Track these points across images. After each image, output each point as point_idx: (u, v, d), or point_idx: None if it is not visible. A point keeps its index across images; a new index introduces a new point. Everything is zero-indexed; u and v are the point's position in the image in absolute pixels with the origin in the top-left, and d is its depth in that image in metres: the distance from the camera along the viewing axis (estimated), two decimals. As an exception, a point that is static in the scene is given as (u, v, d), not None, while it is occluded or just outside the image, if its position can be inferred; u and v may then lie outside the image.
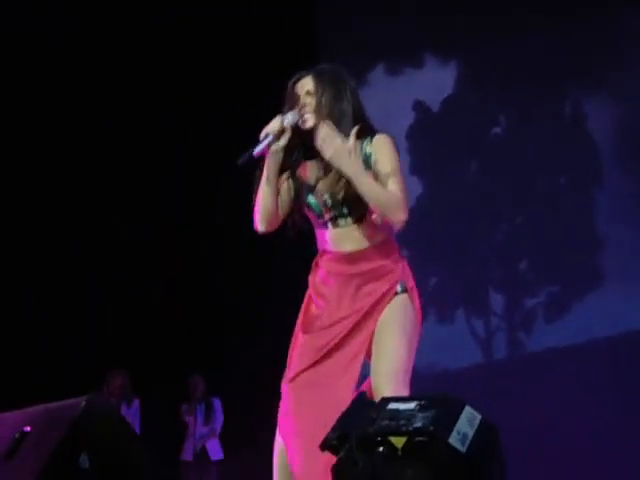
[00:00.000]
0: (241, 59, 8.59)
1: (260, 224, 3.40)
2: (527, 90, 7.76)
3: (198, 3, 8.65)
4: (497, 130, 8.15)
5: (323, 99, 3.35)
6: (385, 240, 3.37)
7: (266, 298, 8.24)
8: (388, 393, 3.05)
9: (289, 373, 3.32)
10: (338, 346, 3.28)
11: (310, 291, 3.46)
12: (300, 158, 3.44)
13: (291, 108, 3.38)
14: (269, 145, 3.28)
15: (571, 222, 7.67)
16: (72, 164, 8.67)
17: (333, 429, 2.47)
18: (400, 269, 3.36)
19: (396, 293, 3.31)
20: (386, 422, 2.42)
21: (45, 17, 8.35)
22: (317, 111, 3.35)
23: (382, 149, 3.34)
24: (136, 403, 8.15)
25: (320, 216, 3.37)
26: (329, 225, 3.36)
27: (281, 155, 3.33)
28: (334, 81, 3.41)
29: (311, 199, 3.37)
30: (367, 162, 3.30)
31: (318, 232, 3.43)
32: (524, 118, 7.93)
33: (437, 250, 7.85)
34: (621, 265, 7.37)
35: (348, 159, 3.21)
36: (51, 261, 8.64)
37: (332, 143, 3.22)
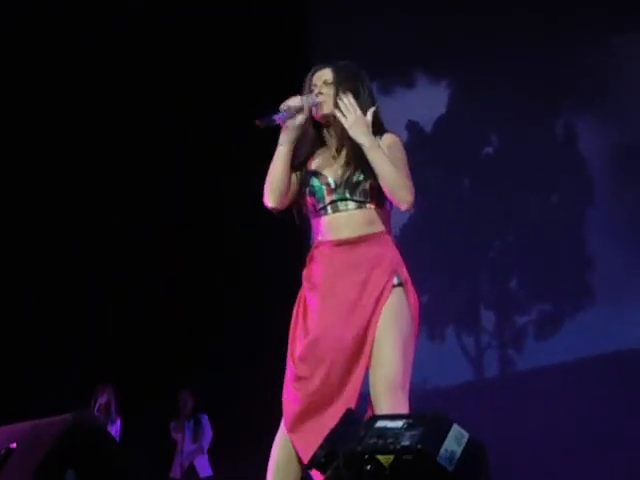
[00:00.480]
0: (238, 62, 8.56)
1: (270, 199, 3.41)
2: (519, 109, 7.76)
3: (198, 3, 8.62)
4: (489, 149, 8.14)
5: (340, 90, 3.40)
6: (383, 231, 3.38)
7: (257, 316, 8.19)
8: (387, 405, 3.07)
9: (295, 382, 3.27)
10: (341, 351, 3.23)
11: (303, 287, 3.41)
12: (310, 150, 3.48)
13: (305, 92, 3.45)
14: (286, 119, 3.34)
15: (562, 240, 7.65)
16: (72, 164, 8.61)
17: (321, 447, 2.44)
18: (395, 259, 3.36)
19: (393, 286, 3.28)
20: (374, 440, 2.39)
21: (44, 17, 8.32)
22: (334, 100, 3.39)
23: (392, 146, 3.41)
24: (118, 422, 8.06)
25: (321, 199, 3.37)
26: (329, 209, 3.36)
27: (295, 134, 3.38)
28: (352, 76, 3.48)
29: (315, 181, 3.39)
30: None
31: (315, 221, 3.42)
32: (516, 137, 7.92)
33: (429, 268, 7.82)
34: (612, 283, 7.35)
35: (367, 130, 3.30)
36: (40, 272, 8.56)
37: (354, 111, 3.30)
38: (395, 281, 3.29)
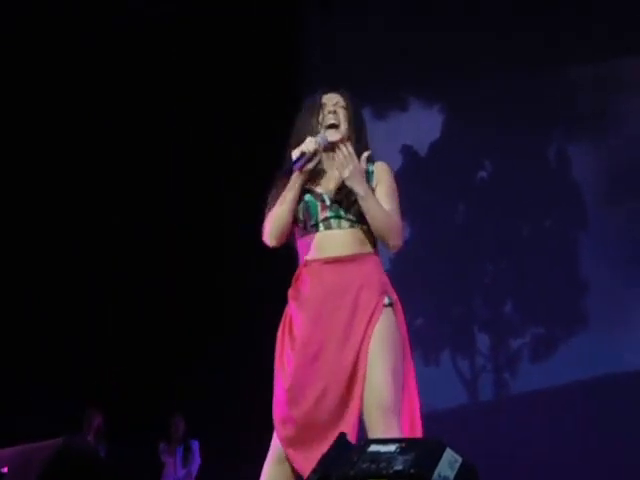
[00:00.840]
0: (236, 64, 8.53)
1: (272, 239, 3.37)
2: (512, 134, 7.77)
3: (197, 4, 8.59)
4: (483, 174, 8.14)
5: (354, 117, 3.42)
6: (372, 252, 3.35)
7: (249, 344, 8.10)
8: (380, 429, 3.04)
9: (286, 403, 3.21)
10: (337, 374, 3.19)
11: (289, 307, 3.36)
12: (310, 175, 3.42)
13: (313, 116, 3.40)
14: (304, 164, 3.31)
15: (555, 265, 7.63)
16: (69, 165, 8.52)
17: (314, 471, 2.41)
18: (384, 279, 3.34)
19: (384, 305, 3.26)
20: (367, 464, 2.36)
21: (44, 17, 8.28)
22: (347, 125, 3.39)
23: (383, 175, 3.42)
24: (102, 450, 7.96)
25: (314, 215, 3.32)
26: (321, 226, 3.32)
27: (307, 176, 3.35)
28: (358, 104, 3.49)
29: (309, 197, 3.35)
30: (368, 179, 3.37)
31: (303, 240, 3.36)
32: (509, 162, 7.92)
33: (423, 291, 7.79)
34: (604, 308, 7.35)
35: (361, 179, 3.30)
36: (31, 281, 8.45)
37: (352, 162, 3.29)
38: (386, 301, 3.27)
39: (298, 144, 3.36)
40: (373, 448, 2.41)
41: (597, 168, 7.62)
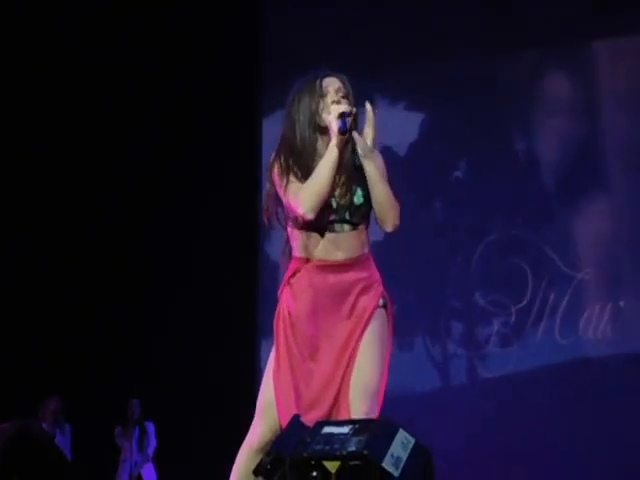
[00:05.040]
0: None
1: (311, 211, 3.03)
2: (485, 138, 7.67)
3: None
4: (458, 174, 8.02)
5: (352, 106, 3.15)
6: (369, 253, 3.18)
7: (205, 327, 7.92)
8: (363, 409, 2.93)
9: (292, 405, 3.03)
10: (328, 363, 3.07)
11: (286, 303, 3.14)
12: (315, 164, 3.14)
13: (314, 98, 3.12)
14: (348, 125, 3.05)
15: (525, 257, 7.52)
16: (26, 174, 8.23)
17: (267, 453, 2.27)
18: (379, 280, 3.18)
19: (378, 306, 3.11)
20: (320, 446, 2.24)
21: (43, 17, 8.08)
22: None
23: (380, 161, 3.18)
24: (68, 429, 7.73)
25: (318, 218, 3.06)
26: (325, 229, 3.08)
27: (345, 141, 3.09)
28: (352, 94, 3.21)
29: None
30: None
31: (301, 234, 3.11)
32: (482, 163, 7.81)
33: (398, 281, 7.68)
34: (569, 296, 7.26)
35: (372, 160, 3.09)
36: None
37: (367, 142, 3.11)
38: (380, 302, 3.13)
39: (294, 128, 3.13)
40: (327, 429, 2.28)
41: (561, 168, 7.56)
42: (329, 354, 3.08)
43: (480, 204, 7.72)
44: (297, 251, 3.15)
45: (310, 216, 3.03)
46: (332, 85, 3.16)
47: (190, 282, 8.05)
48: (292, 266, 3.16)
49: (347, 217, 3.10)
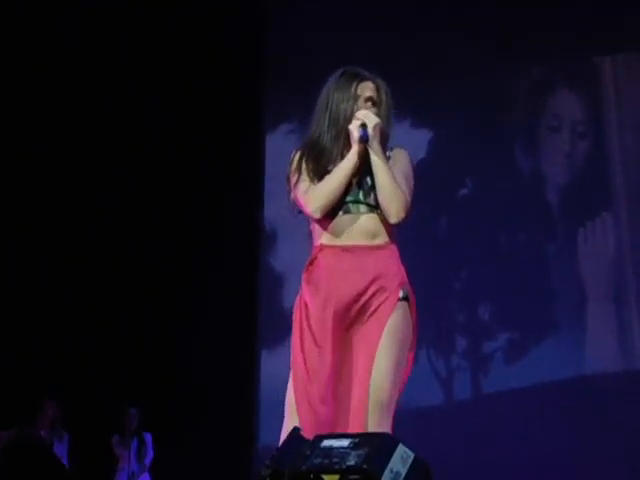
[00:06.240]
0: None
1: (319, 211, 3.02)
2: (489, 154, 7.62)
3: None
4: (464, 191, 7.98)
5: (384, 117, 3.12)
6: (390, 241, 3.07)
7: (203, 337, 7.83)
8: (373, 422, 2.80)
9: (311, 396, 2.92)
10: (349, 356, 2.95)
11: (303, 291, 3.05)
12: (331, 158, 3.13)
13: (344, 102, 3.10)
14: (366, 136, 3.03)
15: (528, 273, 7.45)
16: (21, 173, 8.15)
17: (266, 465, 2.21)
18: (401, 271, 3.06)
19: (399, 299, 2.98)
20: (319, 460, 2.18)
21: (43, 17, 8.03)
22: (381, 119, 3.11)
23: (401, 158, 3.14)
24: (66, 437, 7.63)
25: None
26: (339, 210, 3.03)
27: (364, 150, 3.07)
28: (390, 102, 3.18)
29: None
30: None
31: (320, 222, 3.06)
32: (487, 179, 7.75)
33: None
34: (573, 314, 7.22)
35: (379, 146, 3.04)
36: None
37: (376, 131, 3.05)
38: (401, 294, 2.99)
39: (318, 129, 3.11)
40: (326, 443, 2.23)
41: (565, 187, 7.51)
42: (342, 347, 2.95)
43: (484, 220, 7.67)
44: (315, 238, 3.10)
45: (317, 215, 3.02)
46: (365, 91, 3.13)
47: (191, 292, 8.00)
48: (312, 255, 3.08)
49: (361, 197, 3.04)
